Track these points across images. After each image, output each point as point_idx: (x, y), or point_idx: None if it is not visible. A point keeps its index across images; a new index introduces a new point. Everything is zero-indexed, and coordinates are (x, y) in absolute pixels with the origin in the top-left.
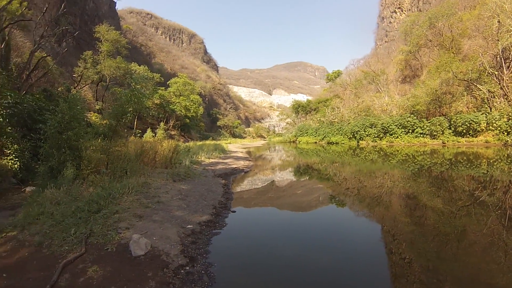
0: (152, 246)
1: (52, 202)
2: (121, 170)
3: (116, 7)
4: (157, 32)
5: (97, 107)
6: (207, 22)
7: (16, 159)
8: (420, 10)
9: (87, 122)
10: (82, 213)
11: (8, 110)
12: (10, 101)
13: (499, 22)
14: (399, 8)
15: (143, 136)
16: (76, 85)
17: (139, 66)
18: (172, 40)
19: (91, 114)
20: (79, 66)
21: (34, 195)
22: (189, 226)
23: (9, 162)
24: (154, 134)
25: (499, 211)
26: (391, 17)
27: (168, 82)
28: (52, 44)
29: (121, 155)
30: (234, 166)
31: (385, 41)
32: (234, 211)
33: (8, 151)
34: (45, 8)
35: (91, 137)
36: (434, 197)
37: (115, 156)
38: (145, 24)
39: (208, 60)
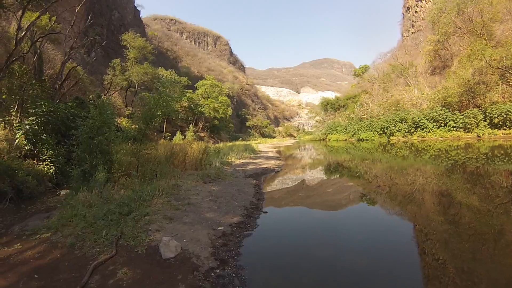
0: (182, 248)
1: (84, 205)
2: (151, 173)
3: (140, 15)
4: (182, 36)
5: (127, 112)
6: (232, 23)
7: (52, 164)
8: None
9: (117, 127)
10: (113, 215)
11: (43, 118)
12: (45, 110)
13: None
14: None
15: (172, 139)
16: (106, 92)
17: (166, 70)
18: (197, 44)
19: (121, 119)
20: (108, 74)
21: (68, 198)
22: (219, 228)
23: (45, 167)
24: (183, 137)
25: None
26: (417, 6)
27: (195, 85)
28: (82, 55)
29: (151, 158)
30: (264, 166)
31: (412, 32)
32: (266, 212)
33: (44, 157)
34: (73, 21)
35: (121, 141)
36: (470, 194)
37: (145, 159)
38: (169, 30)
39: (234, 61)
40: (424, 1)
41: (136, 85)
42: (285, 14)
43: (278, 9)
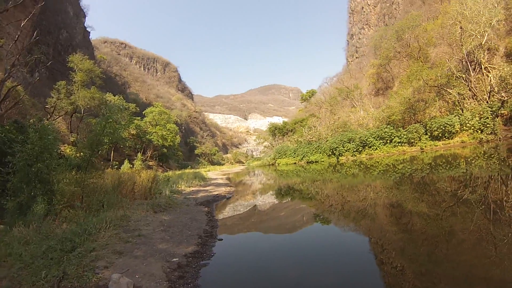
0: (134, 285)
1: (20, 242)
2: (98, 203)
3: (90, 37)
4: (131, 61)
5: (72, 139)
6: (181, 50)
7: None
8: (386, 24)
9: (60, 154)
10: (54, 253)
11: None
12: None
13: (461, 28)
14: (366, 24)
15: (120, 168)
16: (49, 116)
17: (114, 96)
18: (146, 69)
19: (65, 146)
20: (52, 97)
21: (1, 235)
22: (174, 259)
23: None
24: (132, 165)
25: (482, 207)
26: (360, 34)
27: (143, 112)
28: (24, 74)
29: (97, 187)
30: (215, 193)
31: (356, 57)
32: (221, 239)
33: None
34: (17, 36)
35: (64, 169)
36: (419, 202)
37: (90, 189)
38: (119, 54)
39: (182, 88)
40: (366, 29)
41: (82, 110)
42: (233, 42)
43: (226, 36)
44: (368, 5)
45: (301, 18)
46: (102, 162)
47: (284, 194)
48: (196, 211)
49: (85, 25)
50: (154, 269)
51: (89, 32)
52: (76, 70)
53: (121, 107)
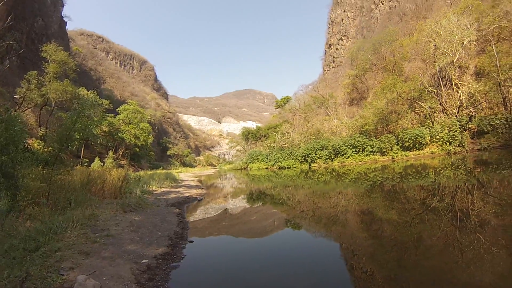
0: None
1: None
2: (65, 201)
3: (66, 27)
4: (107, 56)
5: (40, 133)
6: (158, 49)
7: None
8: (364, 37)
9: (26, 147)
10: (17, 252)
11: None
12: None
13: (435, 45)
14: (345, 35)
15: (90, 166)
16: (17, 107)
17: (88, 91)
18: (122, 66)
19: (32, 140)
20: (22, 87)
21: None
22: (144, 261)
23: None
24: (102, 163)
25: (449, 214)
26: (338, 44)
27: (117, 109)
28: None
29: (65, 184)
30: (186, 194)
31: (332, 67)
32: (192, 241)
33: None
34: None
35: (30, 163)
36: (389, 209)
37: (58, 186)
38: (95, 48)
39: (158, 87)
40: (344, 40)
41: (52, 103)
42: (211, 44)
43: (204, 38)
44: (348, 17)
45: (280, 25)
46: (71, 159)
47: (255, 199)
48: (166, 212)
49: (62, 14)
50: (123, 271)
51: (66, 22)
52: (49, 61)
53: (95, 102)
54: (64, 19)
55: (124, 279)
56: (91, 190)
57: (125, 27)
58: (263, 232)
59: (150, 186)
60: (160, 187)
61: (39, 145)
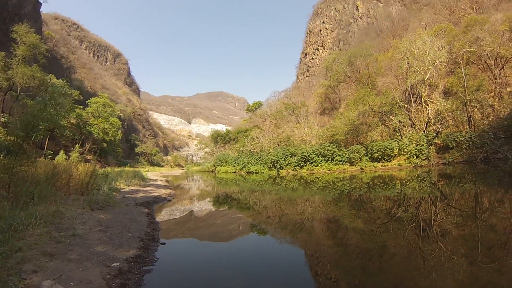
0: None
1: None
2: (27, 195)
3: (41, 10)
4: (81, 45)
5: (3, 119)
6: (134, 43)
7: None
8: (340, 49)
9: None
10: None
11: None
12: None
13: (408, 63)
14: (321, 46)
15: (54, 159)
16: None
17: (57, 79)
18: (96, 57)
19: None
20: None
21: None
22: (114, 264)
23: None
24: (67, 157)
25: (413, 224)
26: (314, 54)
27: (87, 101)
28: None
29: (28, 176)
30: (155, 194)
31: (307, 76)
32: (164, 243)
33: None
34: None
35: None
36: (355, 218)
37: (19, 178)
38: (69, 35)
39: (130, 83)
40: (320, 51)
41: (18, 88)
42: (186, 43)
43: (179, 37)
44: (326, 29)
45: (256, 32)
46: (34, 150)
47: (224, 202)
48: (136, 212)
49: None
50: (92, 275)
51: (41, 3)
52: (19, 43)
53: (63, 92)
54: (40, 0)
55: (94, 285)
56: (56, 184)
57: (101, 15)
58: (235, 236)
59: (118, 184)
60: (128, 185)
61: (1, 133)
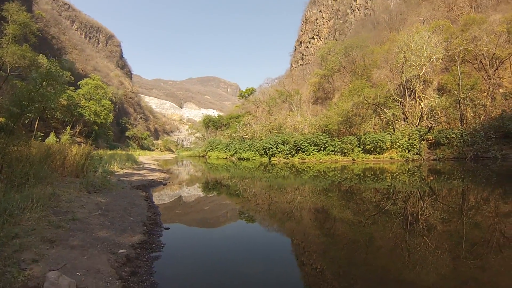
0: (77, 287)
1: None
2: (22, 176)
3: None
4: (72, 26)
5: None
6: (126, 24)
7: None
8: (336, 39)
9: None
10: None
11: None
12: None
13: (404, 57)
14: (317, 35)
15: (44, 141)
16: None
17: (48, 60)
18: (87, 38)
19: None
20: None
21: None
22: (121, 250)
23: None
24: (58, 139)
25: (401, 218)
26: (309, 43)
27: (79, 83)
28: None
29: (23, 157)
30: (150, 178)
31: (301, 64)
32: (168, 228)
33: None
34: None
35: None
36: (344, 209)
37: (14, 158)
38: (60, 15)
39: (123, 65)
40: (316, 40)
41: (8, 69)
42: (180, 26)
43: (174, 18)
44: (323, 18)
45: (251, 15)
46: (24, 132)
47: (220, 187)
48: (134, 195)
49: None
50: (99, 263)
51: None
52: (10, 21)
53: (55, 73)
54: None
55: (104, 274)
56: (51, 166)
57: None
58: (236, 220)
59: (112, 167)
60: (122, 168)
61: None
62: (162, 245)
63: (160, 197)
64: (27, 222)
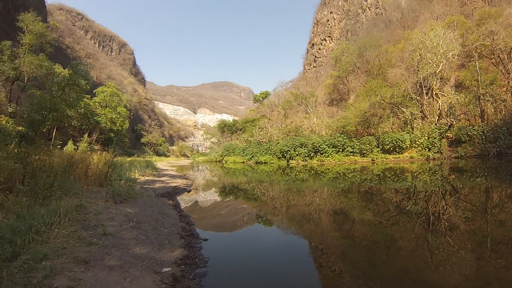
0: None
1: None
2: (47, 188)
3: (45, 0)
4: (86, 35)
5: (10, 110)
6: (139, 32)
7: None
8: (348, 40)
9: None
10: None
11: None
12: None
13: (420, 55)
14: (329, 36)
15: (63, 149)
16: None
17: (64, 69)
18: (101, 47)
19: (1, 117)
20: None
21: None
22: (165, 269)
23: None
24: (76, 147)
25: (423, 217)
26: (321, 44)
27: (94, 91)
28: None
29: (46, 166)
30: (173, 184)
31: (314, 66)
32: (206, 239)
33: None
34: None
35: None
36: (364, 210)
37: (36, 167)
38: (74, 25)
39: (136, 72)
40: (328, 41)
41: (26, 78)
42: (191, 33)
43: (185, 27)
44: (334, 19)
45: (263, 22)
46: (42, 140)
47: (246, 193)
48: (161, 204)
49: None
50: (144, 287)
51: None
52: (26, 31)
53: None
54: None
55: None
56: (74, 175)
57: (106, 5)
58: (268, 226)
59: (133, 174)
60: (143, 176)
61: (8, 123)
62: (206, 259)
63: (187, 204)
64: (55, 239)
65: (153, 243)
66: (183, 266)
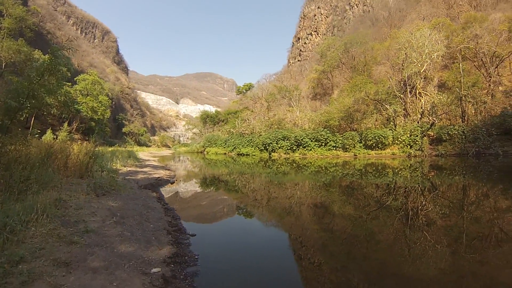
0: None
1: None
2: (23, 181)
3: None
4: (68, 21)
5: None
6: (122, 19)
7: None
8: (334, 35)
9: None
10: None
11: None
12: None
13: (405, 54)
14: (315, 31)
15: (41, 138)
16: None
17: (44, 55)
18: (83, 34)
19: None
20: None
21: None
22: (154, 270)
23: None
24: (55, 137)
25: (402, 212)
26: (307, 39)
27: (75, 79)
28: None
29: (22, 157)
30: (156, 175)
31: (298, 60)
32: (194, 234)
33: None
34: None
35: None
36: (345, 204)
37: (11, 159)
38: (56, 10)
39: (119, 61)
40: (314, 36)
41: (3, 64)
42: (176, 22)
43: (170, 16)
44: (321, 14)
45: (248, 11)
46: (19, 129)
47: (230, 185)
48: (145, 196)
49: None
50: None
51: None
52: (5, 15)
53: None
54: None
55: None
56: (53, 167)
57: None
58: (256, 219)
59: (114, 165)
60: (125, 166)
61: None
62: (196, 257)
63: (171, 196)
64: (32, 239)
65: (139, 240)
66: (172, 265)
